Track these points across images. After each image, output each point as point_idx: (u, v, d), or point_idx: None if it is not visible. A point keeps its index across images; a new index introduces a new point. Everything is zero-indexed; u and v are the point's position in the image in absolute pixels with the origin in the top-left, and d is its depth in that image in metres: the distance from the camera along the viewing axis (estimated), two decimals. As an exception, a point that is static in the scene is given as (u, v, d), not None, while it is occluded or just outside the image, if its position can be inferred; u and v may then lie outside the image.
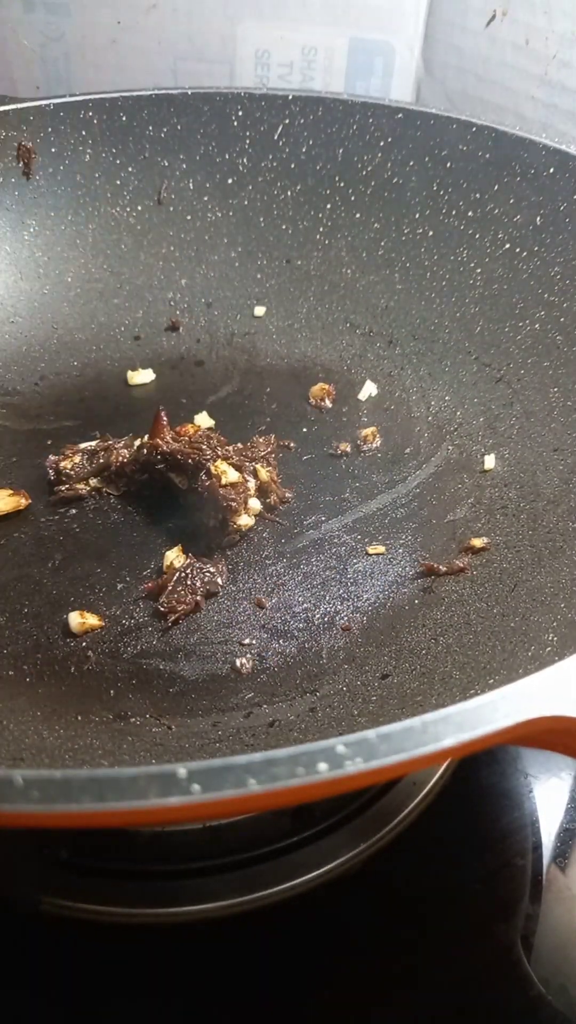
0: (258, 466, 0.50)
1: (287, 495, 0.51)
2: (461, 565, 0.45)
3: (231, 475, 0.48)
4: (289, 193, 0.62)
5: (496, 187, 0.56)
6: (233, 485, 0.48)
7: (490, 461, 0.51)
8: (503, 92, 0.75)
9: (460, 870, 0.42)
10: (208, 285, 0.63)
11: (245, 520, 0.48)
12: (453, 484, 0.51)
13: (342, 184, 0.61)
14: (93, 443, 0.53)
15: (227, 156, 0.62)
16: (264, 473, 0.50)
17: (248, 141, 0.62)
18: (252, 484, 0.49)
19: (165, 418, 0.50)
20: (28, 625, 0.44)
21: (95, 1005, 0.38)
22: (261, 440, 0.53)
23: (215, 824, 0.41)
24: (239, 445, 0.51)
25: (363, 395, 0.58)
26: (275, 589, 0.46)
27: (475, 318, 0.56)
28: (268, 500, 0.51)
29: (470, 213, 0.57)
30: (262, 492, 0.50)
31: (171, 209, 0.63)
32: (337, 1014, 0.38)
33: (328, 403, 0.58)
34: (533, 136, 0.54)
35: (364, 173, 0.61)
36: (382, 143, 0.59)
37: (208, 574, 0.46)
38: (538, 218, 0.53)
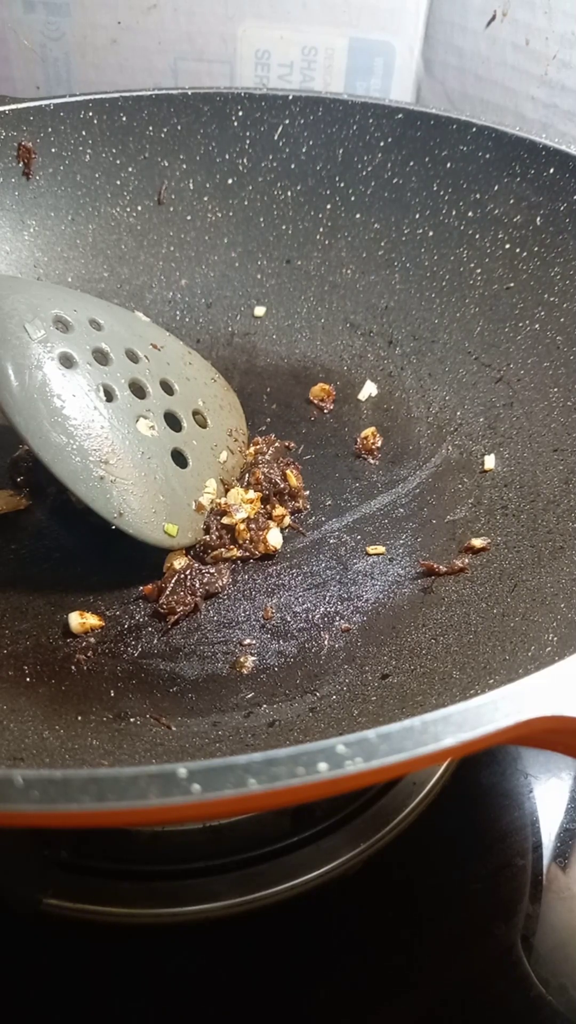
0: (288, 471, 0.50)
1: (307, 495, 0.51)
2: (461, 565, 0.45)
3: (239, 513, 0.47)
4: (289, 193, 0.62)
5: (496, 187, 0.55)
6: (247, 520, 0.48)
7: (490, 461, 0.51)
8: (503, 92, 0.75)
9: (460, 870, 0.42)
10: (208, 285, 0.63)
11: (274, 540, 0.48)
12: (453, 484, 0.51)
13: (342, 184, 0.61)
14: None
15: (227, 156, 0.62)
16: (294, 478, 0.50)
17: (248, 141, 0.62)
18: (276, 511, 0.49)
19: None
20: (28, 625, 0.44)
21: (95, 1005, 0.38)
22: (262, 440, 0.53)
23: (215, 824, 0.41)
24: (249, 452, 0.51)
25: (363, 395, 0.58)
26: (275, 589, 0.46)
27: (475, 318, 0.56)
28: (296, 503, 0.50)
29: (470, 213, 0.57)
30: (291, 496, 0.50)
31: (171, 209, 0.62)
32: (337, 1014, 0.38)
33: (328, 403, 0.58)
34: (533, 136, 0.54)
35: (364, 173, 0.60)
36: (382, 143, 0.59)
37: (208, 575, 0.46)
38: (538, 218, 0.53)
